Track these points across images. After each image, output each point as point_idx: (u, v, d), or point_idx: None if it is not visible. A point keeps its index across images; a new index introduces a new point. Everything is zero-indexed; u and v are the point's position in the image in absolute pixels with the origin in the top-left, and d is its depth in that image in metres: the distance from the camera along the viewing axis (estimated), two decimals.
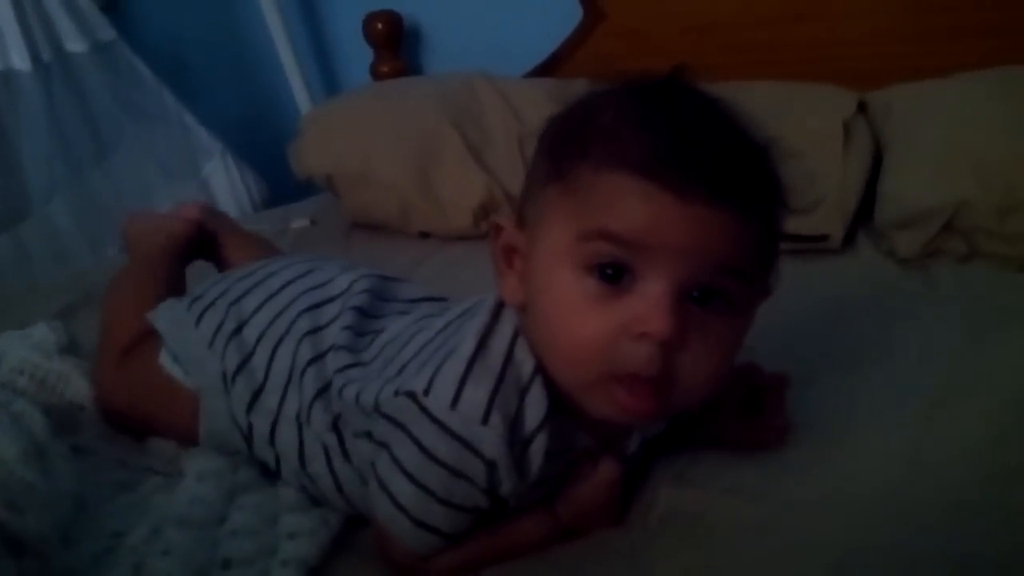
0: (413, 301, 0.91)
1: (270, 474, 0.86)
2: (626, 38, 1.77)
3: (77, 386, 0.98)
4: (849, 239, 1.30)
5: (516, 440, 0.69)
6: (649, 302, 0.61)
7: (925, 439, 0.83)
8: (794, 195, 0.66)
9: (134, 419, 0.94)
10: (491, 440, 0.67)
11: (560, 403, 0.69)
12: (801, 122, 1.35)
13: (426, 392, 0.69)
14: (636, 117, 0.63)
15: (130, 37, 1.84)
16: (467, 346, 0.70)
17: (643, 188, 0.60)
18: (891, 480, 0.78)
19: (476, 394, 0.68)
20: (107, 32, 1.79)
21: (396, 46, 2.02)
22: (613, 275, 0.62)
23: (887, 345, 1.00)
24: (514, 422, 0.68)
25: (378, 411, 0.73)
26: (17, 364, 0.98)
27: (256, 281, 0.92)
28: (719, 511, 0.76)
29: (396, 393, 0.71)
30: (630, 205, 0.61)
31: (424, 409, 0.69)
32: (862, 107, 1.45)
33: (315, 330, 0.85)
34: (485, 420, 0.67)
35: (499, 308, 0.72)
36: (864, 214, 1.33)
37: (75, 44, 1.75)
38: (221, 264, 1.16)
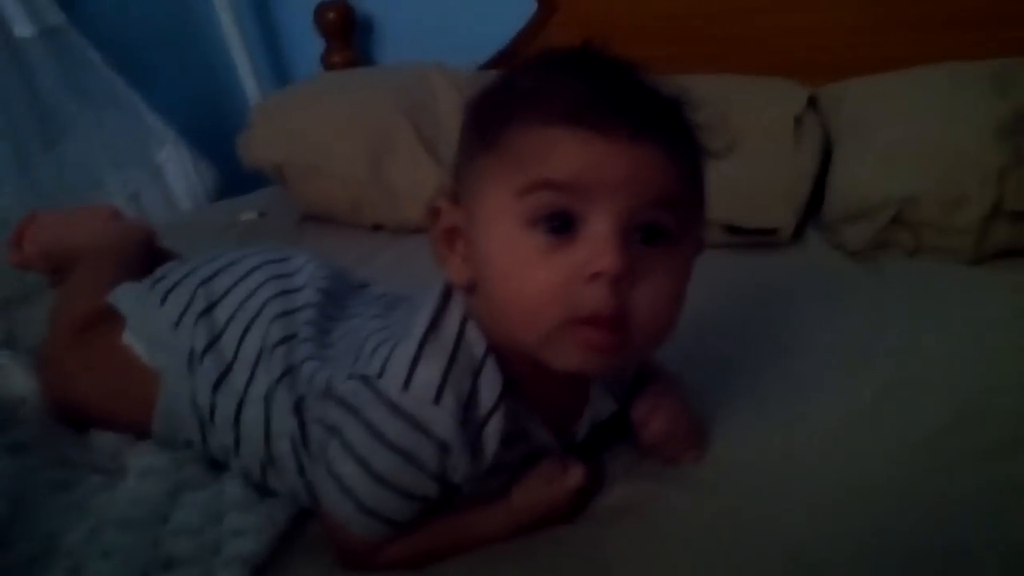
0: (375, 297, 0.92)
1: (218, 468, 0.85)
2: (579, 29, 1.72)
3: (17, 379, 0.96)
4: (799, 233, 1.31)
5: (470, 421, 0.69)
6: (597, 243, 0.63)
7: (871, 430, 0.84)
8: (709, 138, 0.69)
9: (83, 405, 0.92)
10: (443, 420, 0.68)
11: (513, 385, 0.70)
12: (752, 115, 1.36)
13: (380, 375, 0.70)
14: (555, 76, 0.67)
15: (80, 23, 1.80)
16: (418, 328, 0.71)
17: (572, 135, 0.63)
18: (839, 470, 0.79)
19: (428, 373, 0.69)
20: (57, 16, 1.75)
21: (348, 36, 2.00)
22: (559, 226, 0.64)
23: (835, 337, 1.01)
24: (467, 403, 0.69)
25: (331, 396, 0.73)
26: None
27: (225, 263, 0.93)
28: (671, 503, 0.76)
29: (349, 377, 0.72)
30: (563, 152, 0.63)
31: (376, 391, 0.69)
32: (813, 101, 1.47)
33: (285, 313, 0.85)
34: (437, 399, 0.68)
35: (447, 293, 0.73)
36: (813, 207, 1.34)
37: (23, 28, 1.70)
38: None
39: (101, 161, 1.81)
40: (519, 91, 0.68)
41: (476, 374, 0.70)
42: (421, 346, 0.70)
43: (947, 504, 0.74)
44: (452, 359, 0.69)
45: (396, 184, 1.53)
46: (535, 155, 0.64)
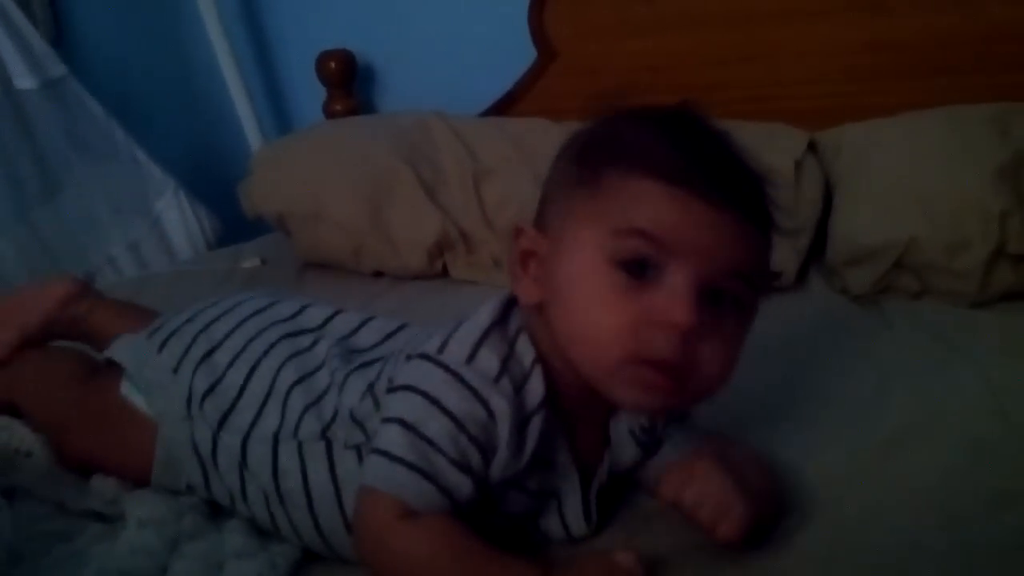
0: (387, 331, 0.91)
1: (217, 518, 0.84)
2: (578, 77, 1.78)
3: (21, 432, 0.94)
4: (801, 277, 1.31)
5: (519, 411, 0.72)
6: (674, 294, 0.67)
7: (880, 479, 0.83)
8: (783, 218, 0.73)
9: (87, 455, 0.92)
10: (500, 398, 0.71)
11: (552, 404, 0.73)
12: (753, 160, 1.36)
13: (439, 351, 0.73)
14: (659, 132, 0.71)
15: (78, 72, 1.81)
16: (484, 317, 0.75)
17: (670, 192, 0.67)
18: (848, 521, 0.77)
19: (490, 358, 0.72)
20: (58, 68, 1.76)
21: (349, 85, 2.01)
22: (640, 270, 0.68)
23: (841, 383, 1.00)
24: (518, 394, 0.72)
25: (390, 389, 0.74)
26: None
27: (223, 310, 0.93)
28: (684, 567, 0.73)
29: (408, 358, 0.75)
30: (659, 207, 0.67)
31: (437, 362, 0.72)
32: (812, 146, 1.47)
33: (297, 354, 0.86)
34: (497, 380, 0.71)
35: (508, 304, 0.77)
36: (816, 252, 1.34)
37: (25, 81, 1.72)
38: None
39: (101, 211, 1.81)
40: (625, 139, 0.72)
41: (524, 378, 0.73)
42: (486, 333, 0.74)
43: (962, 552, 0.72)
44: (510, 353, 0.73)
45: (396, 231, 1.54)
46: (633, 203, 0.68)
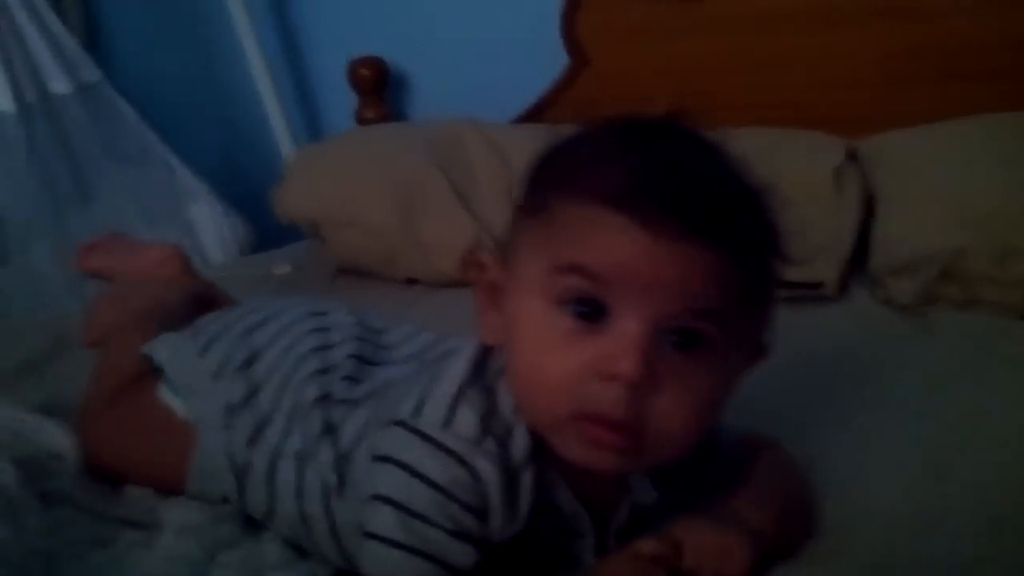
0: (405, 341, 0.90)
1: (254, 527, 0.83)
2: (612, 84, 1.76)
3: (54, 435, 0.94)
4: (844, 286, 1.29)
5: (506, 469, 0.66)
6: (620, 341, 0.59)
7: (934, 494, 0.80)
8: (790, 244, 0.64)
9: (119, 464, 0.90)
10: (485, 461, 0.65)
11: (542, 452, 0.67)
12: (790, 169, 1.34)
13: (414, 415, 0.67)
14: (613, 150, 0.62)
15: (110, 78, 1.82)
16: (457, 372, 0.68)
17: (615, 221, 0.59)
18: (901, 537, 0.75)
19: (469, 416, 0.66)
20: (92, 73, 1.77)
21: (381, 92, 2.01)
22: (589, 312, 0.60)
23: (889, 396, 0.98)
24: (504, 449, 0.66)
25: (374, 457, 0.69)
26: None
27: (265, 316, 0.91)
28: None
29: (384, 426, 0.69)
30: (601, 238, 0.59)
31: (414, 430, 0.66)
32: (850, 154, 1.45)
33: (320, 372, 0.83)
34: (479, 441, 0.65)
35: (485, 347, 0.70)
36: (856, 261, 1.32)
37: (60, 85, 1.73)
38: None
39: (134, 216, 1.82)
40: (575, 157, 0.64)
41: (508, 431, 0.67)
42: (461, 390, 0.67)
43: (1013, 566, 0.70)
44: (491, 406, 0.67)
45: (429, 238, 1.53)
46: (575, 234, 0.60)
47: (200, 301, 1.13)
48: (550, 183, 0.64)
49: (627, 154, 0.61)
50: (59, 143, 1.74)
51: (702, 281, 0.59)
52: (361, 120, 2.00)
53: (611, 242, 0.59)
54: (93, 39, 1.92)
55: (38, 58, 1.71)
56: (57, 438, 0.94)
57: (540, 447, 0.67)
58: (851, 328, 1.17)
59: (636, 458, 0.63)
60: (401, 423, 0.67)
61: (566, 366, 0.61)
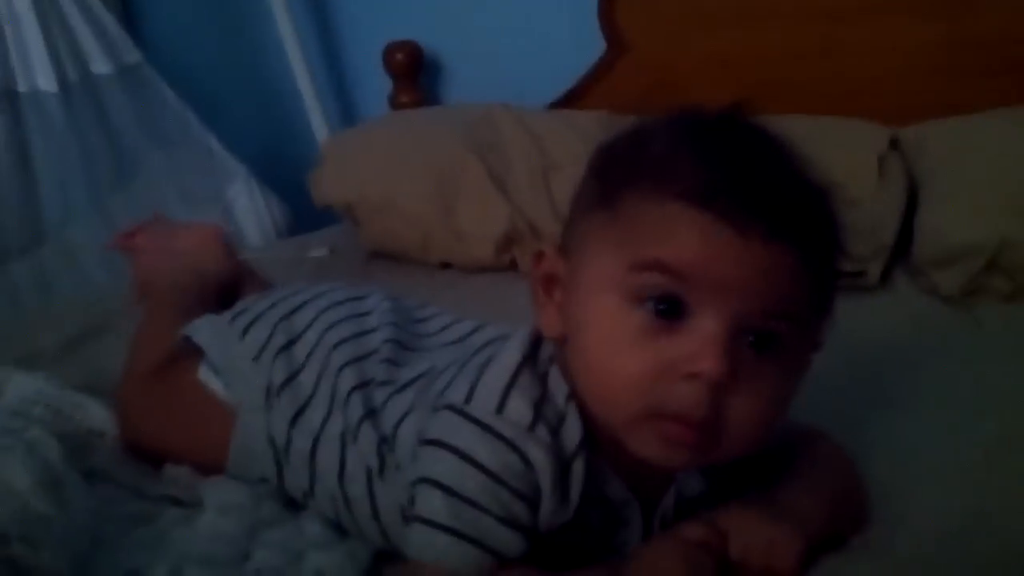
0: (444, 328, 0.90)
1: (294, 506, 0.83)
2: (649, 72, 1.75)
3: (94, 413, 0.95)
4: (886, 276, 1.27)
5: (558, 458, 0.65)
6: (702, 340, 0.59)
7: (987, 489, 0.79)
8: (850, 240, 0.64)
9: (158, 443, 0.91)
10: (537, 449, 0.64)
11: (593, 441, 0.67)
12: (834, 157, 1.32)
13: (466, 401, 0.67)
14: (692, 147, 0.62)
15: (152, 60, 1.83)
16: (511, 359, 0.68)
17: (699, 218, 0.58)
18: (954, 532, 0.73)
19: (521, 404, 0.66)
20: (133, 54, 1.78)
21: (415, 77, 2.00)
22: (666, 310, 0.60)
23: (937, 389, 0.96)
24: (555, 438, 0.66)
25: (421, 442, 0.69)
26: (32, 394, 0.95)
27: (304, 299, 0.91)
28: None
29: (435, 410, 0.68)
30: (686, 236, 0.59)
31: (466, 415, 0.66)
32: (894, 143, 1.43)
33: (356, 359, 0.82)
34: (531, 428, 0.65)
35: (537, 335, 0.70)
36: (900, 251, 1.30)
37: (101, 66, 1.74)
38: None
39: (173, 198, 1.83)
40: (650, 154, 0.63)
41: (560, 417, 0.67)
42: (515, 376, 0.67)
43: None
44: (543, 393, 0.67)
45: (464, 223, 1.52)
46: (654, 231, 0.60)
47: (237, 281, 1.14)
48: (620, 178, 0.63)
49: (702, 150, 0.61)
50: (100, 124, 1.74)
51: (781, 281, 0.59)
52: (396, 105, 1.99)
53: (696, 240, 0.58)
54: (131, 21, 1.93)
55: (80, 39, 1.72)
56: (98, 416, 0.96)
57: (590, 435, 0.66)
58: (895, 319, 1.16)
59: (710, 456, 0.63)
60: (452, 407, 0.67)
61: (643, 364, 0.60)
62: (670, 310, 0.60)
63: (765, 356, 0.61)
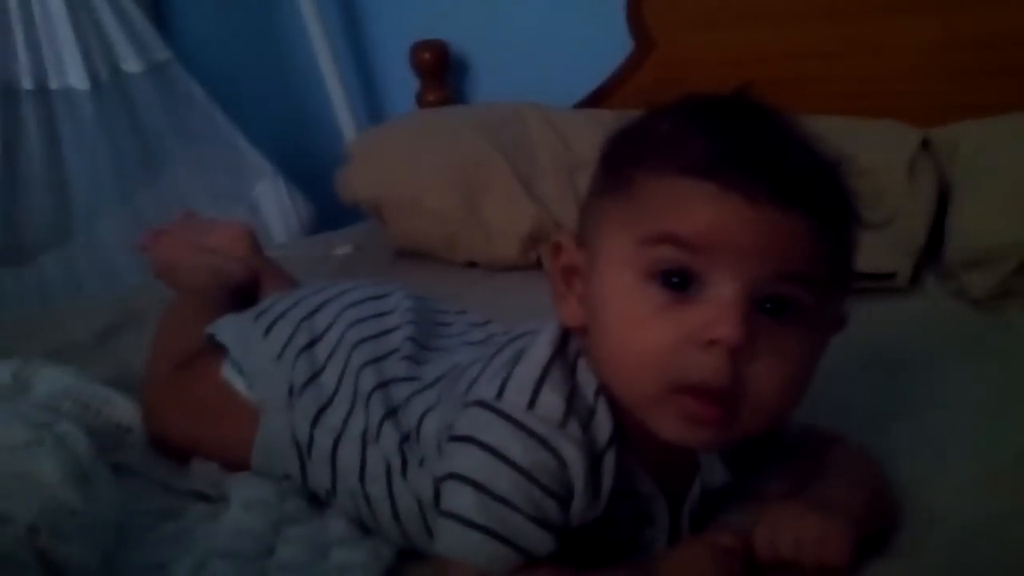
0: (469, 328, 0.91)
1: (319, 503, 0.84)
2: (677, 69, 1.73)
3: (122, 407, 0.96)
4: (916, 278, 1.26)
5: (589, 453, 0.65)
6: (719, 307, 0.59)
7: (1010, 492, 0.78)
8: (866, 210, 0.65)
9: (183, 439, 0.92)
10: (570, 445, 0.64)
11: (622, 434, 0.67)
12: (864, 157, 1.31)
13: (498, 397, 0.67)
14: (697, 124, 0.63)
15: (180, 57, 1.85)
16: (541, 353, 0.68)
17: (705, 188, 0.59)
18: (975, 532, 0.72)
19: (553, 398, 0.65)
20: (162, 52, 1.80)
21: (442, 75, 2.01)
22: (679, 282, 0.60)
23: (966, 392, 0.95)
24: (586, 432, 0.66)
25: (451, 438, 0.69)
26: (61, 388, 0.96)
27: (327, 298, 0.91)
28: None
29: (464, 406, 0.68)
30: (692, 206, 0.60)
31: (498, 411, 0.66)
32: (925, 144, 1.42)
33: (376, 359, 0.83)
34: (563, 424, 0.65)
35: (565, 330, 0.70)
36: (930, 253, 1.29)
37: (131, 64, 1.76)
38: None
39: (200, 195, 1.85)
40: (656, 134, 0.64)
41: (591, 411, 0.67)
42: (546, 370, 0.67)
43: None
44: (573, 388, 0.67)
45: (491, 221, 1.52)
46: (663, 206, 0.61)
47: (261, 279, 1.15)
48: (629, 160, 0.64)
49: (706, 126, 0.62)
50: (129, 121, 1.76)
51: (792, 244, 0.60)
52: (423, 104, 2.00)
53: (703, 209, 0.59)
54: (161, 19, 1.95)
55: (111, 36, 1.74)
56: (126, 411, 0.97)
57: (619, 428, 0.66)
58: (925, 321, 1.14)
59: (731, 431, 0.63)
60: (483, 403, 0.67)
61: (661, 338, 0.60)
62: (682, 283, 0.60)
63: (784, 322, 0.61)
